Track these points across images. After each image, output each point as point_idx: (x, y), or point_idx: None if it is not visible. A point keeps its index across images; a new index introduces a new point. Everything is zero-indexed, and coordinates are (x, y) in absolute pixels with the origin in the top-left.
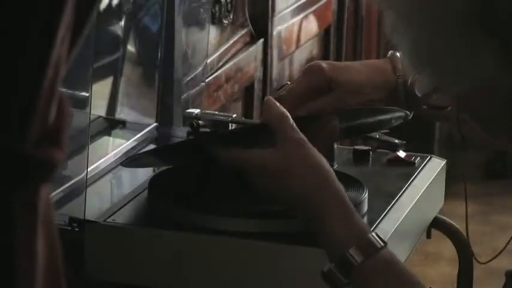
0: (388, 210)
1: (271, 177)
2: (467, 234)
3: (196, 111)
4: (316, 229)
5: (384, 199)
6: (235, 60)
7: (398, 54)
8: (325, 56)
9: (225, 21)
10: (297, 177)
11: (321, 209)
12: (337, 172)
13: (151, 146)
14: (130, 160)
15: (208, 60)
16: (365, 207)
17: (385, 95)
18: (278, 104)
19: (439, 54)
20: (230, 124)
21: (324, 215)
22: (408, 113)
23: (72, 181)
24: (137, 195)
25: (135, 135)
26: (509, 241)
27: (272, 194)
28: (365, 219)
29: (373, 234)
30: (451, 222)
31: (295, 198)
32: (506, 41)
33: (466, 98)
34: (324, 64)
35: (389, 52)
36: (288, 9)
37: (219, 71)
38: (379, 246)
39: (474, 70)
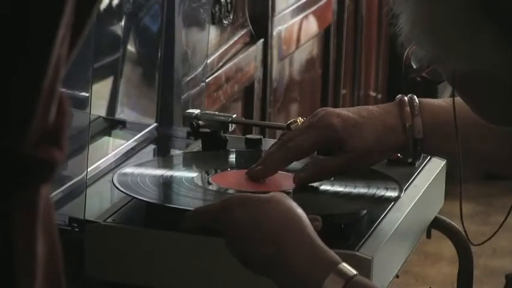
0: (388, 210)
1: (249, 208)
2: (463, 223)
3: (196, 111)
4: (282, 274)
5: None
6: (235, 60)
7: (406, 99)
8: (325, 56)
9: (225, 22)
10: (271, 213)
11: (289, 245)
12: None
13: (152, 146)
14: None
15: (208, 61)
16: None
17: (393, 153)
18: None
19: (439, 28)
20: (230, 124)
21: (291, 254)
22: (401, 194)
23: (72, 181)
24: None
25: (135, 136)
26: (507, 216)
27: (245, 229)
28: (365, 219)
29: (344, 264)
30: (451, 222)
31: (265, 236)
32: (506, 29)
33: (464, 78)
34: (335, 120)
35: (398, 97)
36: (288, 10)
37: (219, 71)
38: (351, 274)
39: (474, 51)
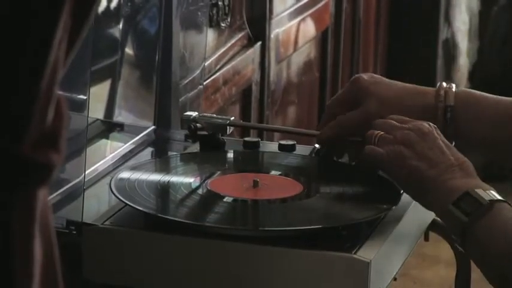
0: (386, 213)
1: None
2: None
3: (194, 113)
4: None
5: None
6: (232, 63)
7: (444, 84)
8: (322, 58)
9: (223, 24)
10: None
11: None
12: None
13: (149, 149)
14: None
15: (206, 63)
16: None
17: (421, 117)
18: None
19: None
20: (228, 127)
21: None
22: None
23: (70, 184)
24: None
25: (132, 138)
26: None
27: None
28: (362, 223)
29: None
30: None
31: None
32: None
33: None
34: (365, 76)
35: (438, 83)
36: (286, 12)
37: (217, 74)
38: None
39: None
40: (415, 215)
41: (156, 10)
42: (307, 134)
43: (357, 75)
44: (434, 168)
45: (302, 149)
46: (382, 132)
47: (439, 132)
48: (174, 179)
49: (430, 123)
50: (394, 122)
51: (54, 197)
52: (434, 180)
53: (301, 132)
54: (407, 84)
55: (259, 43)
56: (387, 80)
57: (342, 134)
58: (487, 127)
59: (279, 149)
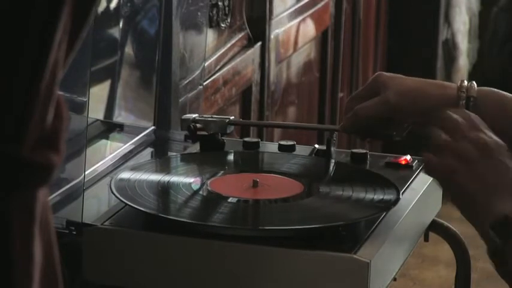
0: (386, 213)
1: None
2: None
3: (194, 114)
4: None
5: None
6: (232, 63)
7: (466, 81)
8: (322, 59)
9: (223, 25)
10: None
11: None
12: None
13: (149, 150)
14: None
15: (206, 64)
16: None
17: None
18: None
19: None
20: (228, 126)
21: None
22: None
23: (70, 184)
24: None
25: (132, 139)
26: None
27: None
28: (362, 223)
29: None
30: (449, 225)
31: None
32: None
33: None
34: (385, 73)
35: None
36: (286, 13)
37: (217, 74)
38: None
39: None
40: (415, 215)
41: (156, 10)
42: (307, 128)
43: (378, 72)
44: (484, 190)
45: (302, 149)
46: (448, 138)
47: (502, 151)
48: (174, 179)
49: (499, 140)
50: (462, 126)
51: (54, 197)
52: (480, 198)
53: (300, 126)
54: (428, 79)
55: (259, 43)
56: (406, 76)
57: (360, 124)
58: (509, 121)
59: (278, 150)
